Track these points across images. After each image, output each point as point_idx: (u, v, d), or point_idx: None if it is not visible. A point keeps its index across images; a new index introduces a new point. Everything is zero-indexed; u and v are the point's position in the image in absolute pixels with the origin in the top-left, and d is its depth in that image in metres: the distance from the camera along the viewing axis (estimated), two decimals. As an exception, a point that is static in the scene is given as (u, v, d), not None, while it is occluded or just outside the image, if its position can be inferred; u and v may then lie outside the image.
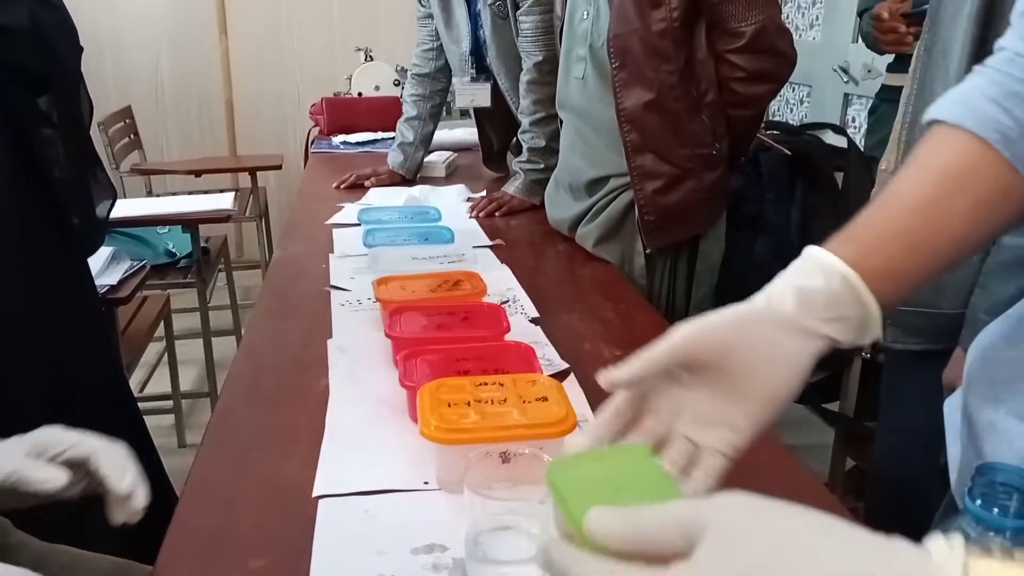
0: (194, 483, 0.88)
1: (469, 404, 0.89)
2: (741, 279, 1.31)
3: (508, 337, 1.14)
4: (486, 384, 0.93)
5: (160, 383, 2.70)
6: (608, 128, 1.56)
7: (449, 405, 0.89)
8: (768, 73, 1.53)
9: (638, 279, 1.61)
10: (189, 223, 2.49)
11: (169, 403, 2.59)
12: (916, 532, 0.40)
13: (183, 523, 0.82)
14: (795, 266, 0.61)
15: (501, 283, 1.46)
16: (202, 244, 2.64)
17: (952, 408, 0.74)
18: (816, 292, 0.58)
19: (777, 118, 3.51)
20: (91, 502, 0.78)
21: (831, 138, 1.99)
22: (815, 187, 1.87)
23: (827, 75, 3.10)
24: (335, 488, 0.87)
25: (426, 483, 0.88)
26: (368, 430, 0.99)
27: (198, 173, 3.54)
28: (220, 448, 0.96)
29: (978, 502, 0.51)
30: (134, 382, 2.41)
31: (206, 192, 3.50)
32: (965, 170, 0.59)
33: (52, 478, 0.74)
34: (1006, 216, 0.60)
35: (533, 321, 1.32)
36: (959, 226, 0.59)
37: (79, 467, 0.76)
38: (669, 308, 1.63)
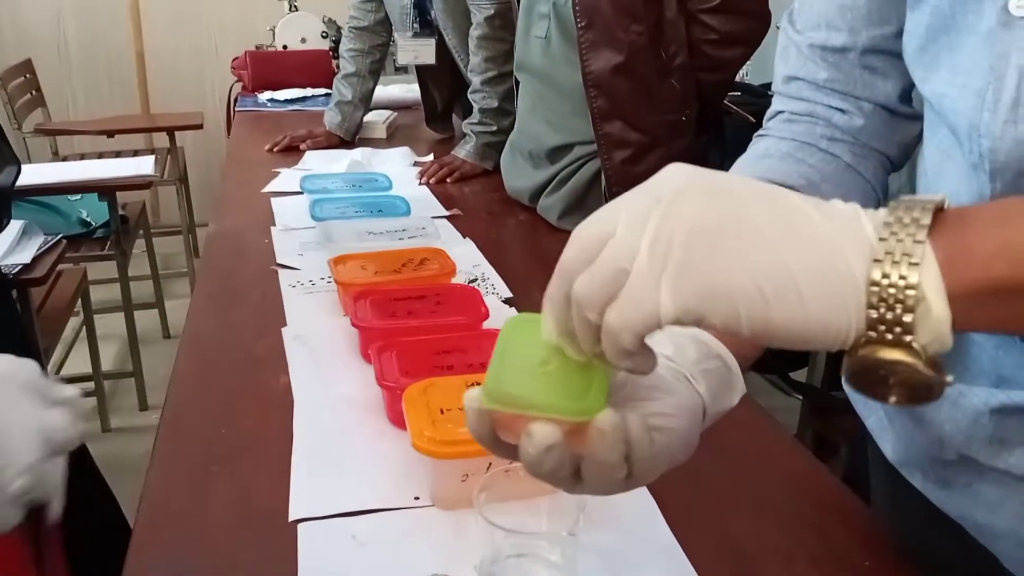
0: (147, 516, 0.76)
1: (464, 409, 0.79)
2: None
3: (488, 324, 1.04)
4: (480, 384, 0.83)
5: (78, 363, 2.51)
6: (573, 92, 1.46)
7: (442, 411, 0.79)
8: (741, 36, 1.46)
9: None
10: (107, 190, 2.29)
11: (90, 384, 2.41)
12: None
13: (140, 568, 0.70)
14: None
15: (467, 259, 1.36)
16: (120, 212, 2.44)
17: None
18: (670, 353, 0.52)
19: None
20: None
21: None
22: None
23: (770, 32, 3.05)
24: (314, 510, 0.77)
25: (417, 499, 0.79)
26: (343, 438, 0.88)
27: (111, 134, 3.28)
28: (173, 468, 0.84)
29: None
30: (50, 362, 2.22)
31: (119, 154, 3.27)
32: None
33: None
34: None
35: (507, 302, 1.22)
36: None
37: None
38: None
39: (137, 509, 0.77)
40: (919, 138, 0.64)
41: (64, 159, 3.28)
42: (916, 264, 0.36)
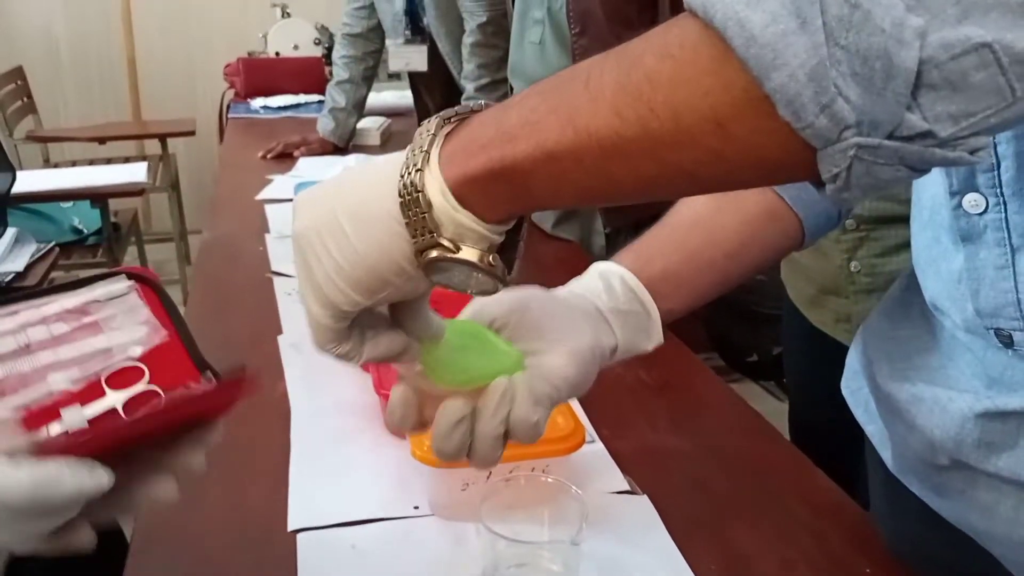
0: (144, 526, 0.76)
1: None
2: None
3: (484, 332, 1.04)
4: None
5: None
6: (568, 98, 1.46)
7: (441, 421, 0.79)
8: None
9: (598, 259, 1.53)
10: (99, 197, 2.28)
11: (82, 393, 2.39)
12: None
13: (139, 577, 0.70)
14: (576, 278, 0.63)
15: (462, 267, 1.35)
16: (112, 219, 2.44)
17: (854, 389, 0.74)
18: (600, 290, 0.60)
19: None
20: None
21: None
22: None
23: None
24: (313, 520, 0.77)
25: (416, 508, 0.79)
26: (341, 447, 0.88)
27: (102, 140, 3.27)
28: (172, 476, 0.83)
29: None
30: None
31: (110, 160, 3.26)
32: (736, 192, 0.66)
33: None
34: (775, 237, 0.68)
35: (503, 309, 1.22)
36: (731, 240, 0.66)
37: None
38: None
39: (134, 520, 0.77)
40: None
41: (55, 166, 3.28)
42: (420, 170, 0.41)
